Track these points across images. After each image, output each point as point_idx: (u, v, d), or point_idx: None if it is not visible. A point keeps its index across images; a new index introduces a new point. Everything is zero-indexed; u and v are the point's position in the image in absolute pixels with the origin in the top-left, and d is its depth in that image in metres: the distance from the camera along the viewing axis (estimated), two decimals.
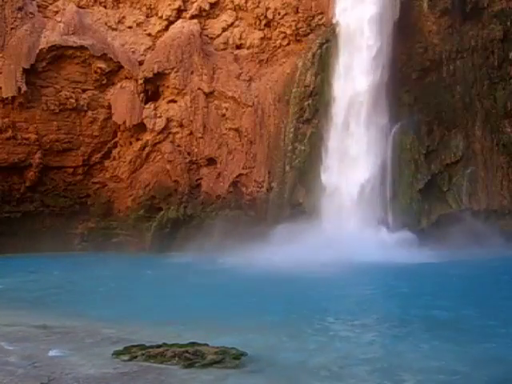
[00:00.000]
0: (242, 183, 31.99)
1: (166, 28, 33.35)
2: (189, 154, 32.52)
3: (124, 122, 32.44)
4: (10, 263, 25.46)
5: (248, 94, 32.02)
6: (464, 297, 14.80)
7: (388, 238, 25.29)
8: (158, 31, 33.47)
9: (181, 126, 32.54)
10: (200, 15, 33.22)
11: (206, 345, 8.71)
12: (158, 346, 8.69)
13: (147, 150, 32.91)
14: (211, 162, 32.51)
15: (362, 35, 28.75)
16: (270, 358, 8.67)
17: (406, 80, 28.93)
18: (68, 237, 32.64)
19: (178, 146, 32.67)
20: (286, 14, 32.09)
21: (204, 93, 32.25)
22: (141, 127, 32.55)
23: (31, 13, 31.66)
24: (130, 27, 33.70)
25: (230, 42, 33.24)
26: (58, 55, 31.50)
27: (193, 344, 8.73)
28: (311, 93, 30.23)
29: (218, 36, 33.45)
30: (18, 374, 7.63)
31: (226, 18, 33.28)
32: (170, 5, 33.27)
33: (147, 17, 33.84)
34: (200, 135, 32.33)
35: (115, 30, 33.50)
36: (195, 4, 33.12)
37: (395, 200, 27.85)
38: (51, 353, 8.90)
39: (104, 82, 32.56)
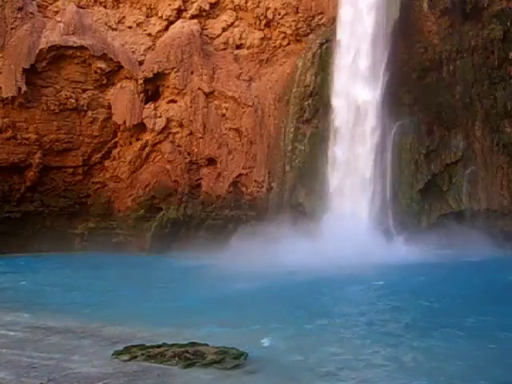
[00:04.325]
0: (242, 183, 31.97)
1: (166, 28, 33.32)
2: (189, 154, 32.50)
3: (124, 122, 32.42)
4: (10, 263, 25.43)
5: (248, 93, 32.01)
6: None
7: (388, 239, 25.30)
8: (158, 31, 33.44)
9: (181, 126, 32.53)
10: (200, 15, 33.20)
11: (206, 345, 8.70)
12: (158, 346, 8.68)
13: (147, 150, 32.90)
14: (211, 161, 32.49)
15: (363, 35, 28.73)
16: (270, 358, 8.66)
17: (406, 80, 28.92)
18: (68, 237, 32.61)
19: (178, 146, 32.65)
20: (286, 14, 32.08)
21: (204, 93, 32.23)
22: (141, 127, 32.54)
23: (31, 13, 31.64)
24: (130, 27, 33.68)
25: (230, 41, 33.22)
26: (57, 55, 31.48)
27: (193, 344, 8.72)
28: (311, 93, 30.23)
29: (218, 36, 33.43)
30: (18, 374, 7.63)
31: (226, 18, 33.25)
32: (170, 5, 33.24)
33: (147, 17, 33.82)
34: (200, 135, 32.32)
35: (115, 30, 33.48)
36: (195, 4, 33.09)
37: (395, 200, 27.85)
38: (52, 353, 8.89)
39: (104, 82, 32.54)
